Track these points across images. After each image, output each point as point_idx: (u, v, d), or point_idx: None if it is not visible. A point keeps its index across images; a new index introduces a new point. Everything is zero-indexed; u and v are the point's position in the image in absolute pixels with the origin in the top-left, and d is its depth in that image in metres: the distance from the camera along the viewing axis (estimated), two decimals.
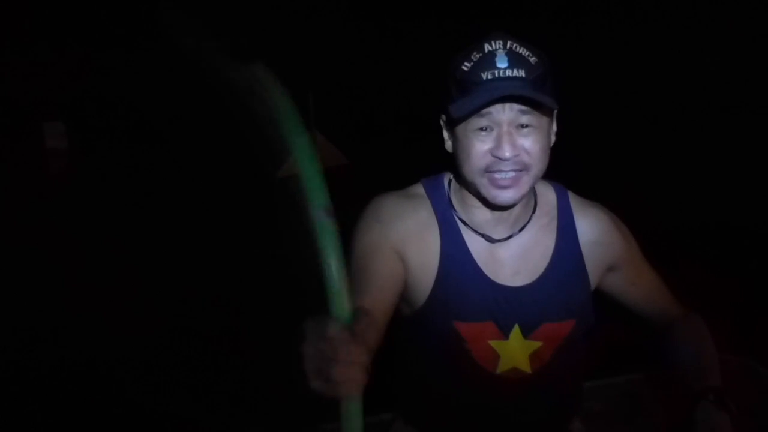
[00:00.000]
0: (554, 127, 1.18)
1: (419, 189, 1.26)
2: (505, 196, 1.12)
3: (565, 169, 1.34)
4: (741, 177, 5.68)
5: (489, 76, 1.07)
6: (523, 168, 1.11)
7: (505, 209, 1.18)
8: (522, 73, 1.07)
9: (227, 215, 5.54)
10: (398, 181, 1.30)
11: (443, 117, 1.19)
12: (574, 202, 1.28)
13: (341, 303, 0.72)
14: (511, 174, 1.11)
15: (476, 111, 1.08)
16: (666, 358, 1.29)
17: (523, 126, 1.10)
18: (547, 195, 1.27)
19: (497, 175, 1.11)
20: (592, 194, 1.32)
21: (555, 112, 1.17)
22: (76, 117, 9.71)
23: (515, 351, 1.20)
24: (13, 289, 4.01)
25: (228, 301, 3.75)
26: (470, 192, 1.19)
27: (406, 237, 1.19)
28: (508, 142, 1.08)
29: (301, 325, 0.72)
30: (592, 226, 1.25)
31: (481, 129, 1.10)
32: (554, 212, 1.25)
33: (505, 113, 1.08)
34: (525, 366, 1.21)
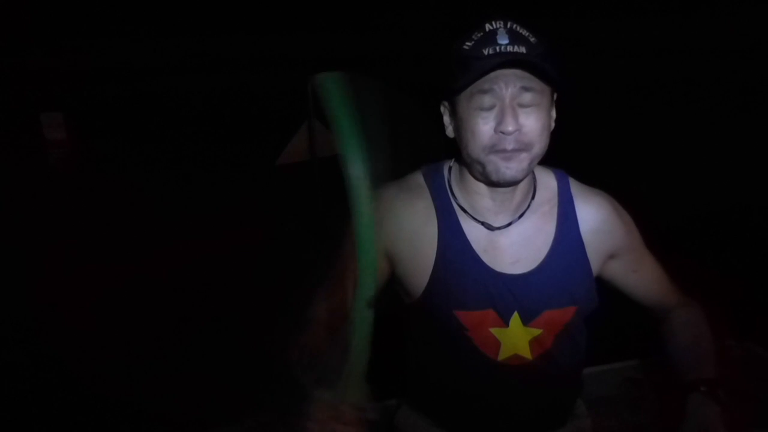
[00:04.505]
0: (553, 113, 1.17)
1: (419, 178, 1.26)
2: (508, 171, 1.11)
3: (565, 159, 1.33)
4: (741, 168, 5.68)
5: (490, 51, 1.08)
6: (523, 147, 1.11)
7: (507, 188, 1.17)
8: (523, 49, 1.07)
9: (226, 204, 5.53)
10: (397, 168, 1.29)
11: (445, 103, 1.19)
12: (576, 188, 1.27)
13: (354, 387, 0.85)
14: (514, 153, 1.11)
15: (478, 79, 1.08)
16: (663, 347, 1.29)
17: (524, 105, 1.10)
18: (548, 181, 1.26)
19: (501, 155, 1.11)
20: (592, 183, 1.31)
21: (554, 97, 1.17)
22: (75, 106, 9.69)
23: (516, 338, 1.20)
24: (10, 282, 4.01)
25: (226, 294, 3.75)
26: (473, 175, 1.19)
27: (402, 236, 1.20)
28: (510, 116, 1.09)
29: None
30: (593, 214, 1.25)
31: (484, 108, 1.10)
32: (555, 199, 1.25)
33: (508, 89, 1.09)
34: (526, 353, 1.21)
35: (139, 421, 2.59)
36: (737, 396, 1.22)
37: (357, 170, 0.82)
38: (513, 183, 1.16)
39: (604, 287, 1.31)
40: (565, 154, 1.40)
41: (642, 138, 7.11)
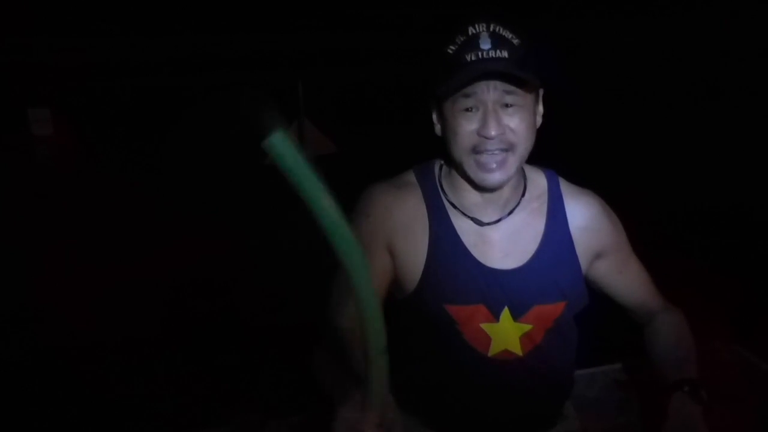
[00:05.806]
0: (540, 109, 1.19)
1: (410, 176, 1.27)
2: (492, 179, 1.15)
3: (558, 158, 1.33)
4: (738, 165, 5.73)
5: (473, 57, 1.09)
6: (509, 147, 1.13)
7: (494, 191, 1.19)
8: (505, 54, 1.09)
9: (214, 203, 5.51)
10: (387, 169, 1.31)
11: (432, 102, 1.20)
12: (565, 187, 1.29)
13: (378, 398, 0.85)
14: (498, 155, 1.12)
15: (460, 89, 1.10)
16: (647, 350, 1.32)
17: (507, 105, 1.11)
18: (538, 180, 1.28)
19: (484, 157, 1.13)
20: (592, 183, 1.32)
21: (541, 93, 1.18)
22: (62, 102, 9.62)
23: (506, 333, 1.21)
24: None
25: (219, 289, 3.74)
26: (459, 174, 1.20)
27: (395, 230, 1.21)
28: (493, 120, 1.10)
29: None
30: (582, 212, 1.27)
31: (467, 109, 1.12)
32: (545, 197, 1.26)
33: (490, 93, 1.10)
34: (516, 348, 1.22)
35: (131, 419, 2.58)
36: (722, 398, 1.23)
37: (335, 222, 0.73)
38: (499, 188, 1.19)
39: (592, 291, 1.32)
40: (565, 154, 1.41)
41: (641, 137, 7.16)
